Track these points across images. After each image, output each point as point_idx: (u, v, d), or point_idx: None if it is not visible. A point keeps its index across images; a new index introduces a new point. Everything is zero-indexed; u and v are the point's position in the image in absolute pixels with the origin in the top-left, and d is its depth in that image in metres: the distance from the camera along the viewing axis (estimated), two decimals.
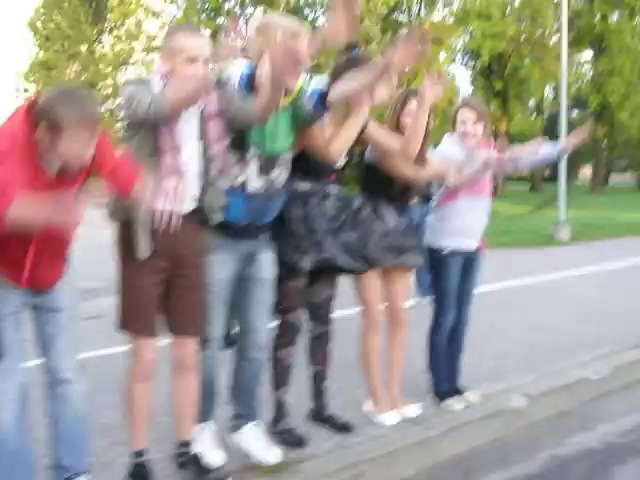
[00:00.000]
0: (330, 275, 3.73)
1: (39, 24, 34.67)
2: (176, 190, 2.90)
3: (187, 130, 2.94)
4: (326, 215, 3.57)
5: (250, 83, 3.14)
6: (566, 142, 4.23)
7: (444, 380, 4.24)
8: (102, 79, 35.84)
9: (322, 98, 3.17)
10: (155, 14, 37.04)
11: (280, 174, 3.27)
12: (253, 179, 3.18)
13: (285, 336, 3.62)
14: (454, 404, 4.13)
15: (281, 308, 3.58)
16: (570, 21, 32.04)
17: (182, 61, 2.86)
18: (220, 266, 3.22)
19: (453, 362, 4.30)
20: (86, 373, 3.00)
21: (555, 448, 3.94)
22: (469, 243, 4.12)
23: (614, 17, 35.36)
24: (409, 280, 4.12)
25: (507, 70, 32.16)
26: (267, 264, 3.38)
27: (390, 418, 3.91)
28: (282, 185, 3.30)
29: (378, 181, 3.84)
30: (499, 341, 5.59)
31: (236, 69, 3.19)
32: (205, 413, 3.41)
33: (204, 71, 2.87)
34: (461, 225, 4.06)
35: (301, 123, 3.30)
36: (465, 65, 36.38)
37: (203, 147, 3.00)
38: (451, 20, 31.68)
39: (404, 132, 3.76)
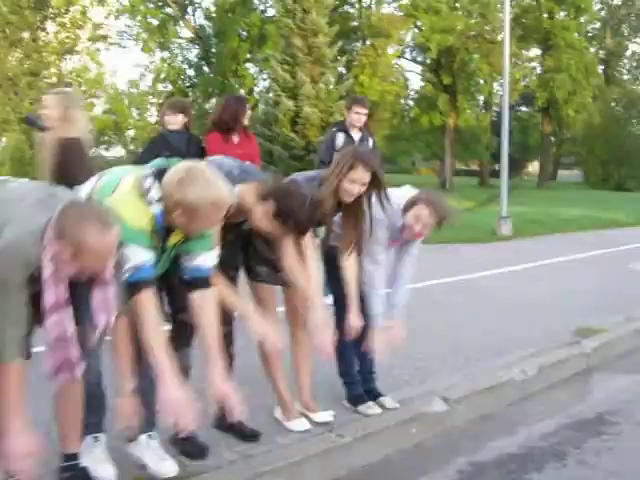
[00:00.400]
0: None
1: None
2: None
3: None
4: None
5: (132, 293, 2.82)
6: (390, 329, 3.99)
7: (357, 384, 4.05)
8: (45, 68, 34.85)
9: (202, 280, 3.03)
10: (101, 2, 36.28)
11: None
12: None
13: (179, 337, 3.39)
14: (369, 409, 3.95)
15: (173, 307, 3.35)
16: (517, 18, 32.48)
17: (89, 259, 2.47)
18: None
19: (365, 365, 4.11)
20: None
21: (474, 453, 3.79)
22: None
23: (560, 15, 35.79)
24: None
25: (455, 65, 32.32)
26: None
27: (299, 425, 3.71)
28: None
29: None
30: (425, 341, 5.43)
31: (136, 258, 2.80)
32: (94, 424, 3.17)
33: (110, 263, 2.57)
34: None
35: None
36: (414, 60, 36.49)
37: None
38: (400, 14, 31.77)
39: (343, 197, 3.59)
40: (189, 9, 37.11)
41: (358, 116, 6.68)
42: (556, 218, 16.64)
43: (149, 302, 2.81)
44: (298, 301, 3.78)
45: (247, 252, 3.63)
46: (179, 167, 2.82)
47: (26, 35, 34.17)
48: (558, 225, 15.26)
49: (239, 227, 3.39)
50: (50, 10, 35.04)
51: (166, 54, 37.19)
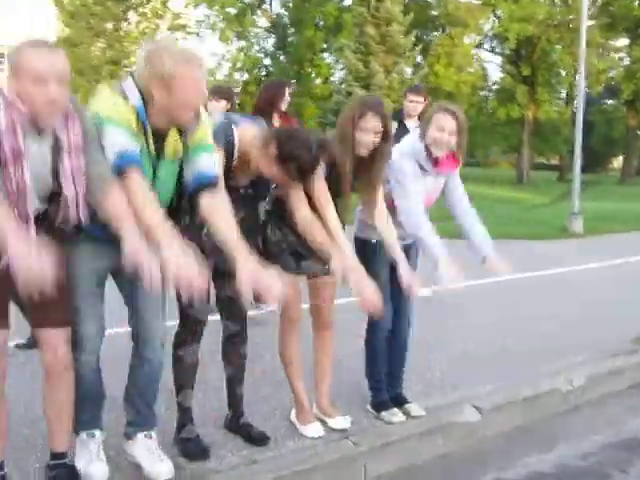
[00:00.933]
0: None
1: (65, 0, 34.45)
2: None
3: (34, 161, 2.48)
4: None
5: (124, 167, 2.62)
6: (491, 263, 3.71)
7: (383, 389, 3.78)
8: (126, 57, 35.61)
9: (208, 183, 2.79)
10: None
11: None
12: None
13: (186, 332, 3.22)
14: (392, 416, 3.67)
15: (181, 302, 3.16)
16: (604, 5, 31.10)
17: (29, 82, 2.38)
18: (89, 256, 2.81)
19: (395, 368, 3.84)
20: None
21: (503, 470, 3.48)
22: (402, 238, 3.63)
23: None
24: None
25: (535, 55, 31.19)
26: None
27: (313, 430, 3.47)
28: None
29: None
30: (467, 342, 5.10)
31: (117, 143, 2.60)
32: (90, 420, 3.03)
33: (56, 94, 2.40)
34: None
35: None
36: (493, 51, 35.49)
37: (54, 186, 2.55)
38: (477, 2, 30.93)
39: (356, 149, 3.33)
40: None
41: (413, 105, 6.43)
42: (635, 215, 15.78)
43: (139, 186, 2.61)
44: (323, 299, 3.55)
45: (264, 238, 3.41)
46: (145, 46, 2.70)
47: (109, 26, 35.02)
48: (637, 223, 14.45)
49: (251, 200, 3.20)
50: (132, 1, 35.78)
51: (243, 43, 37.37)
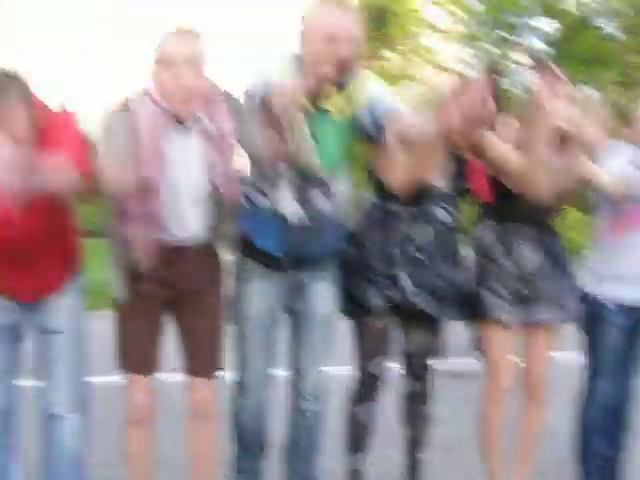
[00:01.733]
0: (429, 319, 2.87)
1: None
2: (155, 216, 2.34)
3: (181, 149, 2.36)
4: (414, 243, 2.74)
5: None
6: None
7: (597, 474, 3.09)
8: None
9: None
10: (435, 29, 37.03)
11: (326, 199, 2.52)
12: (286, 204, 2.48)
13: (361, 388, 2.87)
14: None
15: (359, 354, 2.86)
16: None
17: (161, 67, 2.30)
18: (257, 297, 2.60)
19: (612, 450, 3.13)
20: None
21: None
22: None
23: None
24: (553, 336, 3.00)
25: None
26: (322, 296, 2.67)
27: None
28: (333, 215, 2.57)
29: (503, 199, 2.89)
30: None
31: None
32: (244, 471, 2.80)
33: (189, 77, 2.26)
34: (631, 269, 2.94)
35: (362, 137, 2.55)
36: None
37: (205, 170, 2.40)
38: None
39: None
40: (526, 34, 36.19)
41: None
42: None
43: None
44: (537, 367, 3.00)
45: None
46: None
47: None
48: None
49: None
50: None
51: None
